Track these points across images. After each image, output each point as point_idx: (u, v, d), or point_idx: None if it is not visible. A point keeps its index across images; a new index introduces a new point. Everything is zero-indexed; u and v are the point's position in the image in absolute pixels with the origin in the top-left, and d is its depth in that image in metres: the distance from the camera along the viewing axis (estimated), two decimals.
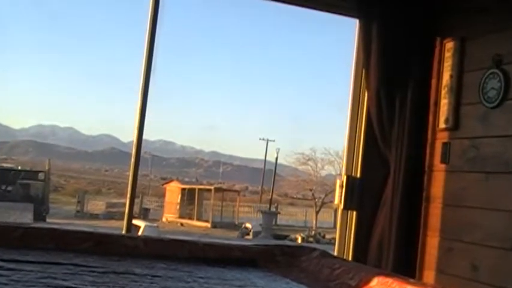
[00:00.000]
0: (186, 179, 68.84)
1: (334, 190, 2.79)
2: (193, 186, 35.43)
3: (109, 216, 31.78)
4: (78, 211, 32.27)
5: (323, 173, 38.25)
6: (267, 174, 53.57)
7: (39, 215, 22.93)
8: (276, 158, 41.12)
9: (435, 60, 2.58)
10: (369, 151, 2.67)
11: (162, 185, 40.26)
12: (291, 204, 46.56)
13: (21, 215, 18.00)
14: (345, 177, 2.67)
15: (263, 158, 55.74)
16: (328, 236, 28.19)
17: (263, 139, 54.69)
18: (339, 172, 35.49)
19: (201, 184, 43.49)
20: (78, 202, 33.30)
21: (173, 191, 34.83)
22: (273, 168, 41.79)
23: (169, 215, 33.41)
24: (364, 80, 2.68)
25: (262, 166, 56.64)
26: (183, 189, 34.83)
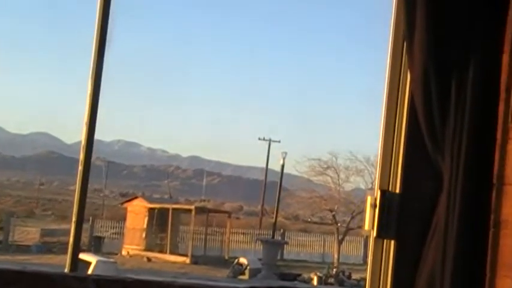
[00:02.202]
0: (156, 196, 68.82)
1: (363, 211, 2.78)
2: (166, 206, 35.36)
3: (45, 248, 31.76)
4: (0, 242, 32.18)
5: (348, 186, 38.35)
6: (269, 188, 53.59)
7: None
8: (282, 166, 41.15)
9: (508, 27, 2.57)
10: (412, 156, 2.67)
11: (122, 203, 40.08)
12: (304, 230, 46.62)
13: None
14: (379, 192, 2.66)
15: (263, 165, 55.71)
16: (355, 276, 28.21)
17: (264, 139, 54.76)
18: (370, 186, 35.61)
19: (177, 202, 43.46)
20: (1, 229, 33.17)
21: (137, 213, 34.79)
22: (278, 180, 41.81)
23: (132, 246, 33.38)
24: (405, 57, 2.67)
25: (263, 177, 56.59)
26: (151, 209, 34.78)
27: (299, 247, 39.43)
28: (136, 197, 40.83)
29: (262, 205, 53.01)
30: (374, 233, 2.67)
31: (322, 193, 36.47)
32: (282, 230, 39.31)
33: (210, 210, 38.24)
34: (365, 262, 34.61)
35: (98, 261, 15.25)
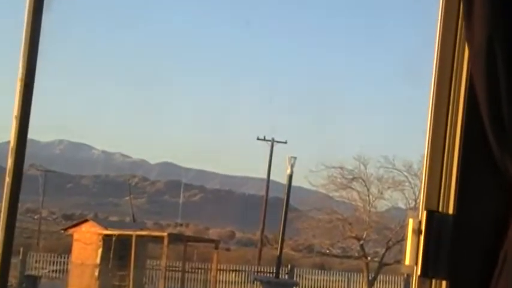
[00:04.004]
0: (113, 218, 68.70)
1: (403, 239, 2.79)
2: (128, 232, 35.40)
3: None
4: None
5: (382, 205, 38.29)
6: (271, 207, 53.53)
7: None
8: (290, 176, 41.04)
9: None
10: (471, 163, 2.67)
11: (66, 229, 40.10)
12: (320, 266, 46.57)
13: None
14: (425, 213, 2.67)
15: (264, 176, 55.58)
16: None
17: (264, 139, 54.73)
18: (412, 204, 35.56)
19: (143, 228, 43.46)
20: None
21: (87, 242, 34.82)
22: (284, 196, 41.79)
23: None
24: (461, 27, 2.68)
25: (263, 191, 56.43)
26: (107, 237, 34.80)
27: None
28: (85, 220, 40.78)
29: (262, 231, 53.01)
30: (418, 271, 2.67)
31: (346, 214, 36.49)
32: (289, 266, 39.31)
33: (189, 239, 38.21)
34: None
35: None
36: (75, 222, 42.18)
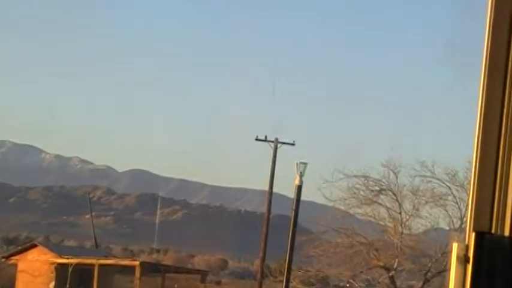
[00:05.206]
0: (69, 242, 68.57)
1: (446, 270, 2.80)
2: (88, 261, 35.44)
3: None
4: None
5: (418, 225, 38.26)
6: (275, 227, 53.42)
7: None
8: (299, 188, 40.99)
9: None
10: None
11: (7, 257, 40.16)
12: None
13: None
14: (474, 236, 2.69)
15: (265, 188, 55.37)
16: None
17: (266, 140, 54.61)
18: (458, 223, 35.48)
19: (108, 255, 43.39)
20: None
21: (36, 273, 34.90)
22: (291, 214, 41.67)
23: None
24: None
25: (263, 208, 56.20)
26: (62, 266, 34.88)
27: None
28: (33, 245, 41.04)
29: (263, 259, 52.96)
30: None
31: (372, 237, 36.49)
32: None
33: (168, 269, 38.33)
34: None
35: None
36: (19, 247, 42.36)
